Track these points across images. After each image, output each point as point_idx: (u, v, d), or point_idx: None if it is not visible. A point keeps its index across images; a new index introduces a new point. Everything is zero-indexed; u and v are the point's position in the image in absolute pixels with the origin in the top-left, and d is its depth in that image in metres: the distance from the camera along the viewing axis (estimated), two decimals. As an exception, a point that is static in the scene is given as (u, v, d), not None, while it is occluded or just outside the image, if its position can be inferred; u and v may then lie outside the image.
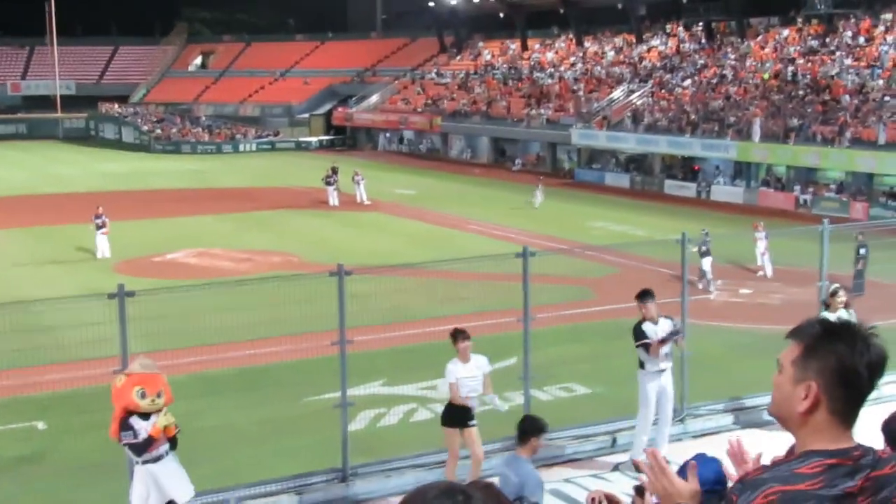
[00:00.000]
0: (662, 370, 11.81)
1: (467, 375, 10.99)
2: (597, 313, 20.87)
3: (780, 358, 2.57)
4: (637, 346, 11.75)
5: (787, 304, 21.41)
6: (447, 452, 11.21)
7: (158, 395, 9.07)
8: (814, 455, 2.39)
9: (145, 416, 9.03)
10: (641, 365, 11.86)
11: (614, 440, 12.70)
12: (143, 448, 9.01)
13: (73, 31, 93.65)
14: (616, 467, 12.12)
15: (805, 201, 41.44)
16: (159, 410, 9.09)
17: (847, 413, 2.44)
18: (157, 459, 9.15)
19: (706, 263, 23.61)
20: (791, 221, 34.93)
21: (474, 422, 11.16)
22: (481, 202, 43.00)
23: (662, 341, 11.60)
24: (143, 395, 8.96)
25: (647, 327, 11.65)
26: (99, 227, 29.63)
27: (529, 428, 8.43)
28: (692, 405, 13.28)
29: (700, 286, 23.16)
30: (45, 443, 13.88)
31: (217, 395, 15.38)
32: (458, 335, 11.05)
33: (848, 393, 2.43)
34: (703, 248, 23.38)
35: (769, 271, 25.36)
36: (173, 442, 9.31)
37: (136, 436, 8.96)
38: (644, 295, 11.78)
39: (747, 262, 26.20)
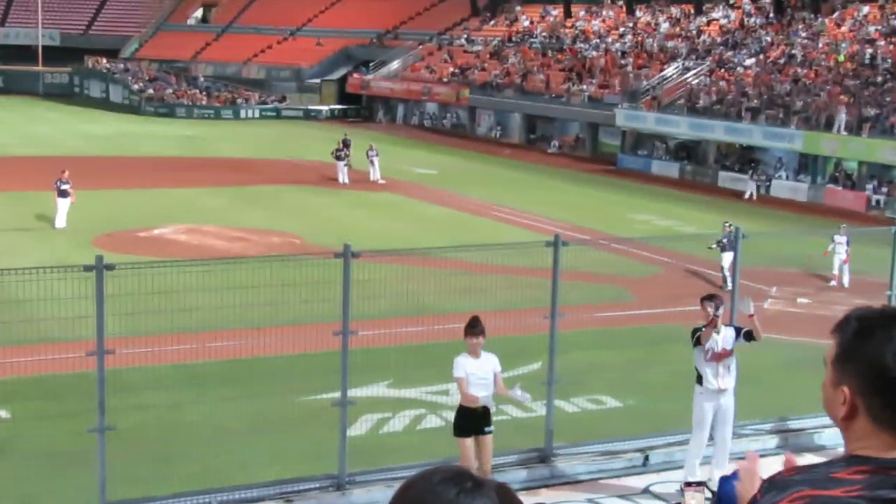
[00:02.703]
0: (723, 389, 11.84)
1: (477, 372, 11.01)
2: (634, 317, 20.91)
3: (825, 356, 2.57)
4: (694, 347, 11.82)
5: (852, 316, 21.29)
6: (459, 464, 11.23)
7: None
8: (857, 461, 2.37)
9: None
10: (699, 380, 11.90)
11: (646, 458, 12.73)
12: None
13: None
14: (646, 489, 12.15)
15: (878, 202, 41.23)
16: None
17: (892, 420, 2.39)
18: None
19: (726, 259, 23.48)
20: (861, 224, 34.79)
21: (491, 428, 11.20)
22: (510, 187, 43.01)
23: (719, 355, 11.72)
24: None
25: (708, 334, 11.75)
26: (62, 194, 29.89)
27: None
28: (737, 424, 13.27)
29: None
30: (9, 432, 14.03)
31: (202, 388, 15.49)
32: (468, 328, 11.04)
33: (886, 400, 2.38)
34: (725, 242, 23.30)
35: (846, 280, 25.26)
36: None
37: None
38: (710, 297, 12.03)
39: (812, 267, 26.16)
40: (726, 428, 12.09)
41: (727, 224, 24.21)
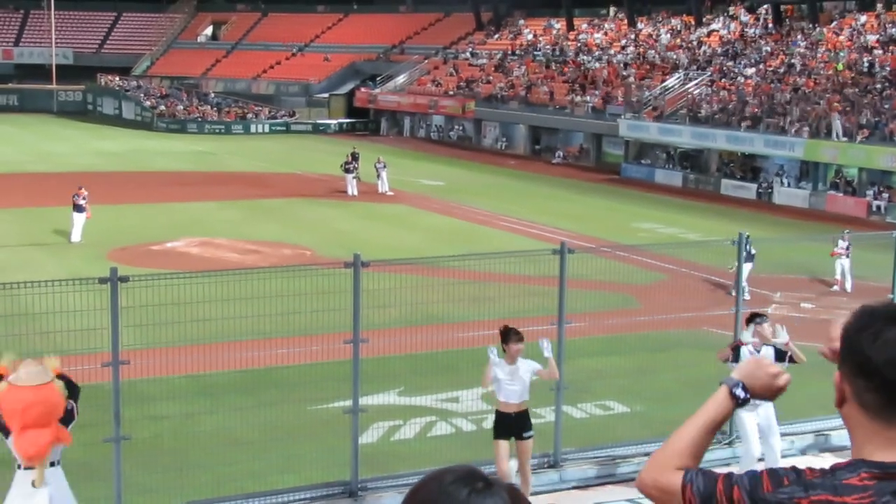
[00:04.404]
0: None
1: (507, 377, 11.01)
2: (640, 324, 20.78)
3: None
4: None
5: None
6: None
7: None
8: (862, 465, 2.40)
9: None
10: None
11: (654, 463, 12.64)
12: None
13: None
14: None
15: (878, 207, 41.12)
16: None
17: (879, 409, 2.41)
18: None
19: (745, 269, 23.39)
20: (862, 229, 34.67)
21: (530, 433, 11.19)
22: (516, 197, 42.98)
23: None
24: None
25: (745, 353, 11.68)
26: (78, 209, 29.92)
27: None
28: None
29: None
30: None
31: (215, 398, 15.43)
32: (511, 335, 11.02)
33: (869, 383, 2.42)
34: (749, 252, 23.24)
35: (849, 285, 25.22)
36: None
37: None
38: (753, 317, 12.05)
39: (817, 273, 26.09)
40: (773, 436, 12.07)
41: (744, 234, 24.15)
